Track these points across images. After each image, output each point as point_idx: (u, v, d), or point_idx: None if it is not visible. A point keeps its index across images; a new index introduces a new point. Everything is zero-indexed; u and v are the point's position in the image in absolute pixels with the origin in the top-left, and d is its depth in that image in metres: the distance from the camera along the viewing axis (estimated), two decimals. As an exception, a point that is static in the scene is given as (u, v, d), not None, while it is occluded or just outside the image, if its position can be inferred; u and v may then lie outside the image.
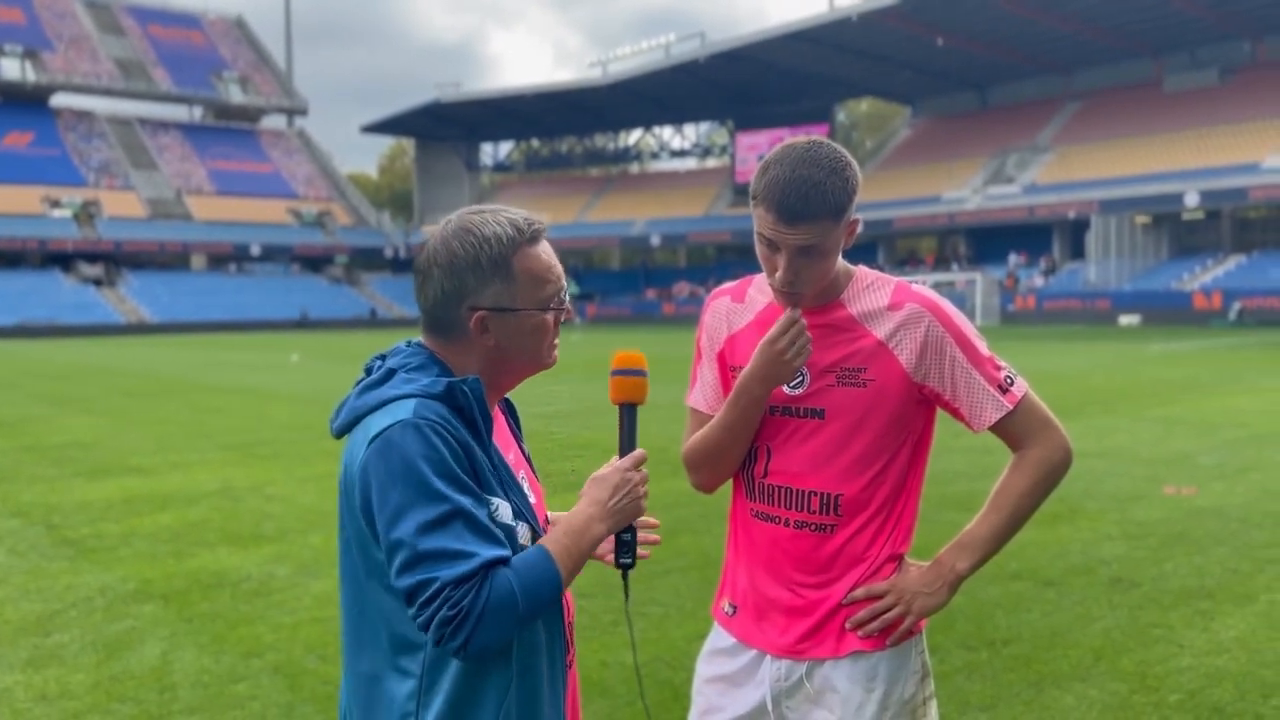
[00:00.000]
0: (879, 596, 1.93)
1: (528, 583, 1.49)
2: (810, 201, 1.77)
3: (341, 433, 1.64)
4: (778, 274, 1.85)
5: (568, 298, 1.71)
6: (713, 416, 2.04)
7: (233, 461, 10.00)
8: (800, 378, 1.92)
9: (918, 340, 1.89)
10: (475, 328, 1.62)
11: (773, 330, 1.85)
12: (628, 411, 1.73)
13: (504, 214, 1.63)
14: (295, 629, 4.86)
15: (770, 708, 1.98)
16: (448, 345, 1.65)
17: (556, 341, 1.72)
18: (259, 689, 4.13)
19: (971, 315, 46.81)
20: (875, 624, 1.92)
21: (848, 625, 1.93)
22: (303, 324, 58.61)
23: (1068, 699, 3.88)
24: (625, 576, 1.72)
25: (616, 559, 1.69)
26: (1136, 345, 27.48)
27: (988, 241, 54.91)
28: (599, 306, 66.11)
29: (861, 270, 2.02)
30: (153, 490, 8.54)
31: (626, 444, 1.70)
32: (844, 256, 2.01)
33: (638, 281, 69.91)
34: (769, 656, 1.98)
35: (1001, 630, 4.63)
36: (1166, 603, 4.98)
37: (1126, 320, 42.23)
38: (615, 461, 1.69)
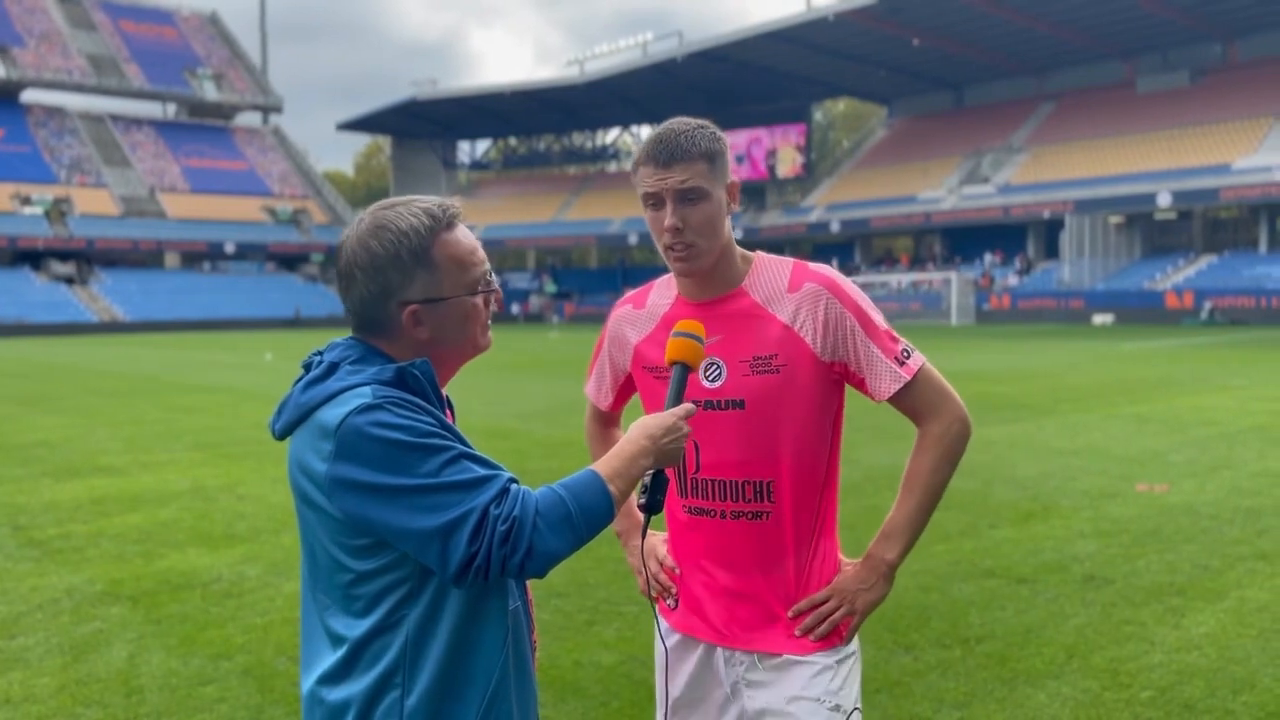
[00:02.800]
0: (822, 603, 2.00)
1: (581, 497, 1.50)
2: (680, 143, 1.90)
3: (285, 432, 1.60)
4: (665, 220, 1.90)
5: (494, 278, 1.70)
6: (600, 406, 2.28)
7: (204, 461, 9.89)
8: (717, 370, 1.97)
9: (819, 320, 1.94)
10: (408, 322, 1.60)
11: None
12: (679, 369, 1.82)
13: (417, 204, 1.61)
14: (266, 630, 4.80)
15: (730, 694, 2.02)
16: (381, 341, 1.63)
17: (489, 323, 1.71)
18: (228, 691, 4.08)
19: (947, 314, 47.12)
20: (824, 627, 1.99)
21: (798, 632, 1.99)
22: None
23: (1040, 696, 3.89)
24: (647, 519, 1.78)
25: (639, 498, 1.74)
26: (1109, 344, 27.72)
27: (963, 241, 55.24)
28: (577, 305, 66.03)
29: (760, 256, 2.06)
30: (122, 490, 8.43)
31: (674, 399, 1.78)
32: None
33: (615, 280, 69.83)
34: (719, 649, 2.03)
35: (975, 628, 4.64)
36: (1138, 600, 5.01)
37: (1100, 319, 42.61)
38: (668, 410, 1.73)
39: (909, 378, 1.96)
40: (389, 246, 1.56)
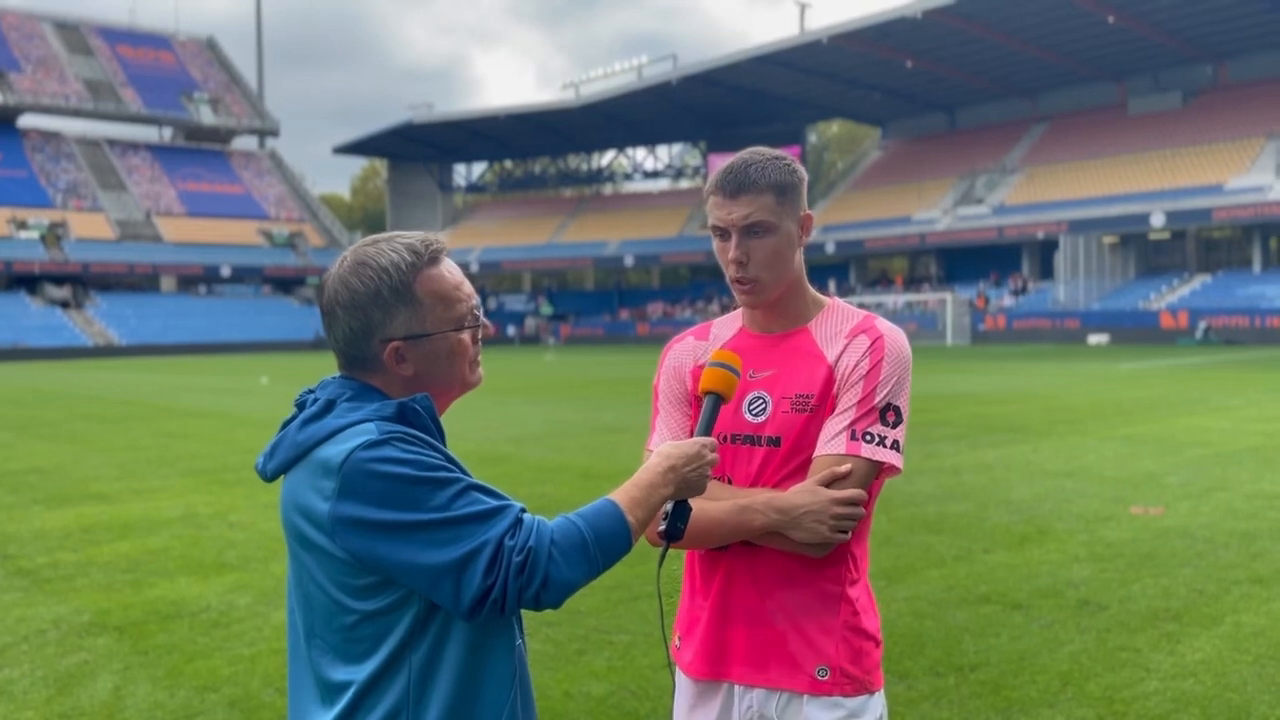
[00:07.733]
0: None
1: (598, 526, 1.49)
2: (749, 174, 1.88)
3: (279, 473, 1.56)
4: (729, 254, 1.89)
5: (482, 313, 1.68)
6: None
7: (196, 488, 9.84)
8: (763, 404, 1.93)
9: (850, 362, 1.90)
10: (390, 359, 1.58)
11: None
12: (711, 400, 1.80)
13: (399, 240, 1.60)
14: (254, 661, 4.75)
15: None
16: (370, 378, 1.61)
17: (479, 359, 1.68)
18: (214, 725, 4.03)
19: (943, 335, 47.16)
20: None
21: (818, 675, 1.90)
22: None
23: (1035, 726, 3.85)
24: (665, 547, 1.74)
25: (660, 524, 1.71)
26: (1105, 364, 27.73)
27: (958, 262, 55.42)
28: (573, 327, 66.08)
29: (835, 302, 2.03)
30: (113, 518, 8.37)
31: (703, 428, 1.77)
32: (818, 280, 2.00)
33: (611, 302, 69.97)
34: (737, 688, 1.95)
35: (970, 655, 4.60)
36: (1134, 625, 4.97)
37: (1095, 339, 42.66)
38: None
39: (844, 451, 1.85)
40: (369, 283, 1.55)
